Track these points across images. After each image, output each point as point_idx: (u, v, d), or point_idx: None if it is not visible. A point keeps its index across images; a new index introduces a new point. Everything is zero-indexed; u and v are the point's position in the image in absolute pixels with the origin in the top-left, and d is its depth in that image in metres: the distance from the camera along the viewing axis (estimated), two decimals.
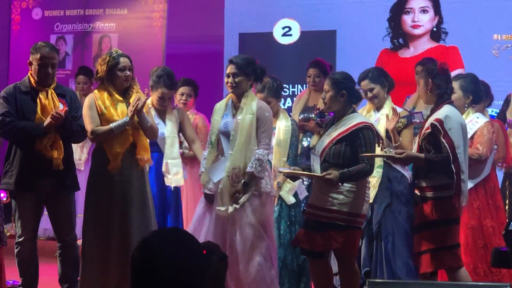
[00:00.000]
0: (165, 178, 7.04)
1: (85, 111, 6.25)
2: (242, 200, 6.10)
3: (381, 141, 5.87)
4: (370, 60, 8.93)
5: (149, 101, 6.95)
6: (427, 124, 5.66)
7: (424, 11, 9.62)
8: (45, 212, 9.15)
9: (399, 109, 6.80)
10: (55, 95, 6.27)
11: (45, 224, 9.24)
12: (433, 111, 5.74)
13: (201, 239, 5.92)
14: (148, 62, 9.43)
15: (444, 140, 5.50)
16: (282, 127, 6.94)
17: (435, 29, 9.58)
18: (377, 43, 9.58)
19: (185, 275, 2.48)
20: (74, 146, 9.33)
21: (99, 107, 6.19)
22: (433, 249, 5.54)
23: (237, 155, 6.15)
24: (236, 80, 6.22)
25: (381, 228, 6.57)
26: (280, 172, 6.02)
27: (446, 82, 5.74)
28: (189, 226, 6.44)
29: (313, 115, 7.26)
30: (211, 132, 6.40)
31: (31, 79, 6.28)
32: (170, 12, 9.97)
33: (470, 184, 6.45)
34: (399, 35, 9.69)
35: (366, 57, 9.10)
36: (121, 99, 6.18)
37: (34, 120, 6.16)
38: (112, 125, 6.13)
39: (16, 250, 6.32)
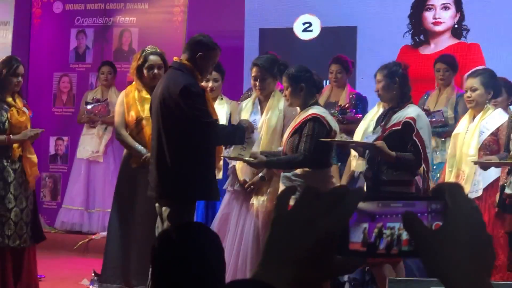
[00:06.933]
0: None
1: (116, 106, 6.43)
2: (264, 197, 6.13)
3: (332, 133, 5.78)
4: (391, 56, 8.84)
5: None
6: (395, 121, 5.71)
7: (445, 7, 9.55)
8: (64, 205, 9.26)
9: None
10: None
11: (63, 217, 9.29)
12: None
13: (227, 236, 5.98)
14: (168, 57, 9.40)
15: (416, 139, 5.57)
16: None
17: (456, 26, 9.52)
18: (397, 39, 9.53)
19: (204, 269, 2.48)
20: (92, 137, 9.39)
21: (127, 103, 6.26)
22: None
23: None
24: (264, 83, 6.23)
25: None
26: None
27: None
28: (212, 223, 6.43)
29: (334, 111, 7.23)
30: None
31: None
32: (191, 7, 9.97)
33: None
34: (420, 32, 9.64)
35: (387, 54, 9.03)
36: (148, 96, 6.16)
37: None
38: (136, 145, 6.19)
39: None
